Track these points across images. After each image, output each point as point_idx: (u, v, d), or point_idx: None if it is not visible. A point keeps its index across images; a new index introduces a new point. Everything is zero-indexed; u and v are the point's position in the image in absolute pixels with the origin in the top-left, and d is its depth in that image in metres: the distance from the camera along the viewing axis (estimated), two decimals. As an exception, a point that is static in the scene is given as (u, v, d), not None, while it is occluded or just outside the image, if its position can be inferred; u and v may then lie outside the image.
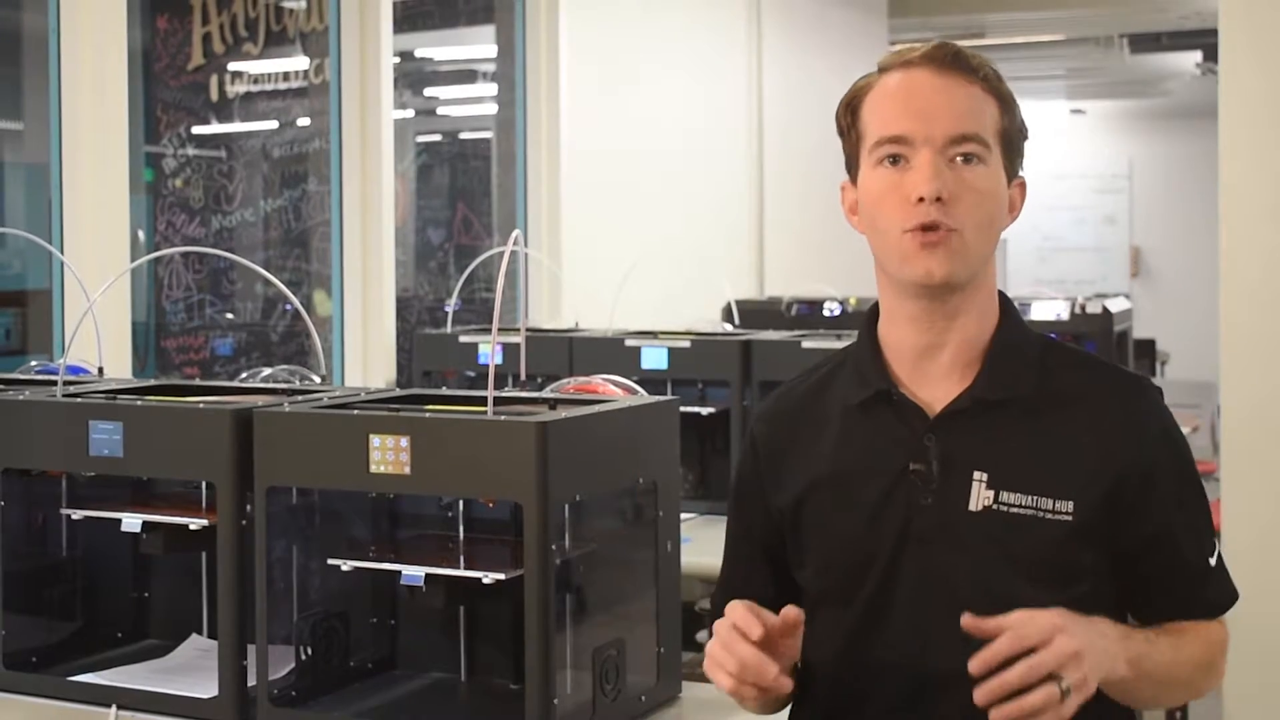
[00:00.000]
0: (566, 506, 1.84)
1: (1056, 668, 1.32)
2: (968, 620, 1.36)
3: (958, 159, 1.48)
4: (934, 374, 1.54)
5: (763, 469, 1.64)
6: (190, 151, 4.21)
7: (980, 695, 1.33)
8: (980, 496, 1.49)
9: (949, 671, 1.49)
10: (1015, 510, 1.48)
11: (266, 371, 2.68)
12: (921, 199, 1.46)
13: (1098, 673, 1.36)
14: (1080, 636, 1.35)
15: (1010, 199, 1.55)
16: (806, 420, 1.62)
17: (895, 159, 1.49)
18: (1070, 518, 1.47)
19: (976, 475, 1.49)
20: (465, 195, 5.48)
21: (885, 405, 1.55)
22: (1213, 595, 1.54)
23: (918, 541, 1.50)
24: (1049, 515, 1.48)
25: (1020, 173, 1.56)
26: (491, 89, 5.43)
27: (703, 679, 1.99)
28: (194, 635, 2.20)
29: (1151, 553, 1.51)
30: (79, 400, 2.07)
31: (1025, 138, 1.56)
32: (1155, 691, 1.50)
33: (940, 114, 1.48)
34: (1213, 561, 1.53)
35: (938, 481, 1.50)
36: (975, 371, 1.53)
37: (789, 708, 1.65)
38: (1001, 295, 1.59)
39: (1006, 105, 1.53)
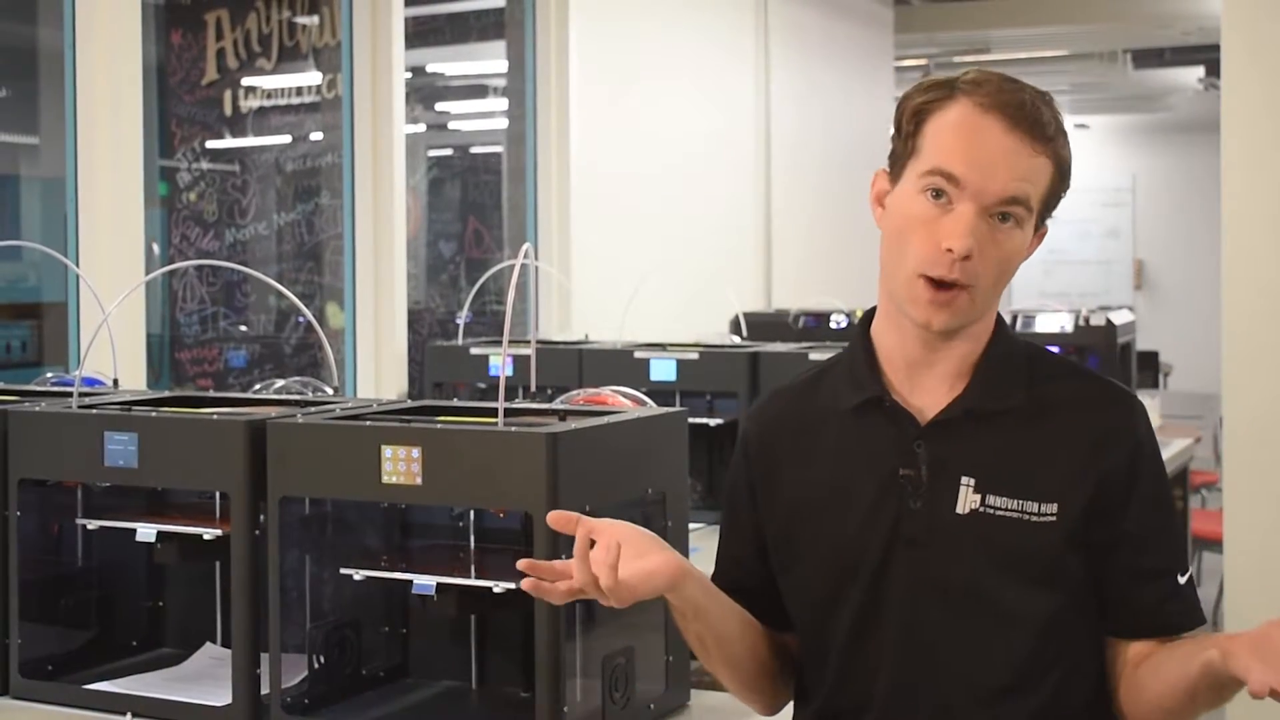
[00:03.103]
0: (576, 516, 1.85)
1: None
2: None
3: (996, 216, 1.48)
4: (926, 383, 1.57)
5: (754, 471, 1.66)
6: (204, 166, 4.24)
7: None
8: (967, 500, 1.51)
9: (937, 676, 1.52)
10: (1001, 513, 1.51)
11: (279, 383, 2.69)
12: (949, 250, 1.47)
13: None
14: None
15: (1030, 246, 1.55)
16: (798, 422, 1.64)
17: (939, 193, 1.49)
18: (1055, 519, 1.50)
19: (964, 480, 1.52)
20: (476, 209, 5.51)
21: (877, 411, 1.57)
22: (1179, 611, 1.54)
23: (907, 544, 1.53)
24: (1034, 518, 1.50)
25: (1046, 222, 1.56)
26: (502, 104, 5.46)
27: (711, 687, 2.02)
28: (208, 644, 2.21)
29: (1122, 552, 1.52)
30: (94, 411, 2.09)
31: (1067, 190, 1.56)
32: (1207, 704, 1.49)
33: (998, 173, 1.47)
34: (1182, 580, 1.54)
35: (927, 486, 1.53)
36: (966, 381, 1.56)
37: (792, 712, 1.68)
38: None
39: (1063, 172, 1.52)
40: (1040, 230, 1.56)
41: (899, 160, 1.55)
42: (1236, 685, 1.40)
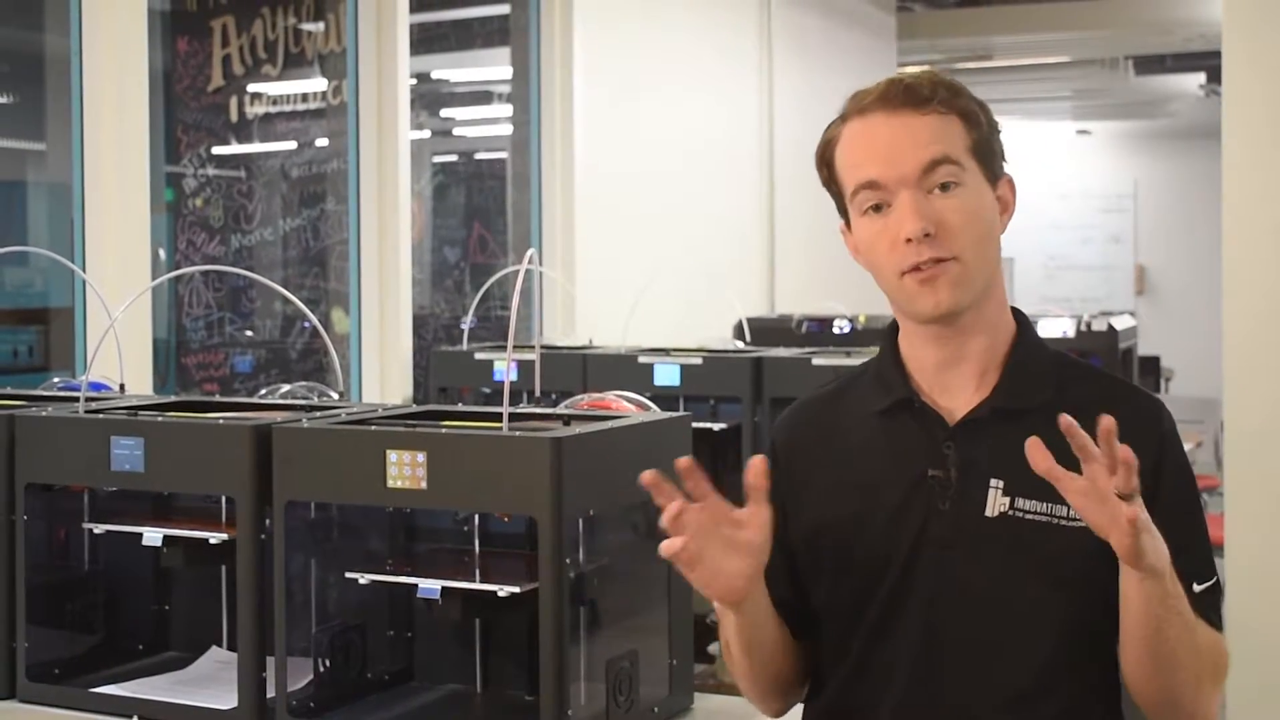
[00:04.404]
0: (580, 521, 1.86)
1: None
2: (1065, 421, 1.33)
3: (936, 190, 1.50)
4: (954, 384, 1.57)
5: (781, 480, 1.64)
6: (210, 171, 4.26)
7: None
8: (997, 503, 1.51)
9: (959, 678, 1.52)
10: (1030, 517, 1.50)
11: (285, 388, 2.69)
12: (910, 239, 1.49)
13: (1156, 542, 1.35)
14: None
15: (1001, 200, 1.57)
16: (826, 429, 1.65)
17: (877, 207, 1.52)
18: (1084, 524, 1.48)
19: (993, 482, 1.52)
20: (481, 214, 5.53)
21: (906, 413, 1.58)
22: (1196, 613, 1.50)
23: (934, 546, 1.53)
24: (1064, 522, 1.49)
25: (1005, 170, 1.57)
26: (506, 110, 5.48)
27: (715, 690, 2.03)
28: (214, 647, 2.22)
29: None
30: (101, 416, 2.09)
31: (998, 134, 1.57)
32: (1179, 638, 1.44)
33: (903, 152, 1.50)
34: (1198, 588, 1.52)
35: (956, 488, 1.53)
36: (994, 382, 1.56)
37: (801, 712, 1.69)
38: (1016, 310, 1.62)
39: (969, 118, 1.54)
40: (1004, 179, 1.57)
41: (840, 208, 1.60)
42: (1162, 580, 1.39)
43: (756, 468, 1.43)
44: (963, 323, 1.54)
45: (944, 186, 1.50)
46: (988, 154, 1.55)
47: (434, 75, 5.64)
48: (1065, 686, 1.51)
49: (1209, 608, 1.54)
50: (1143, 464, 1.50)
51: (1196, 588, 1.52)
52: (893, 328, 1.64)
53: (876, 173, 1.51)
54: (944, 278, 1.50)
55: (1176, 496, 1.54)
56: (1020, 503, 1.51)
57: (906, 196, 1.50)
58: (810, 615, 1.64)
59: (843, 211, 1.60)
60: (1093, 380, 1.60)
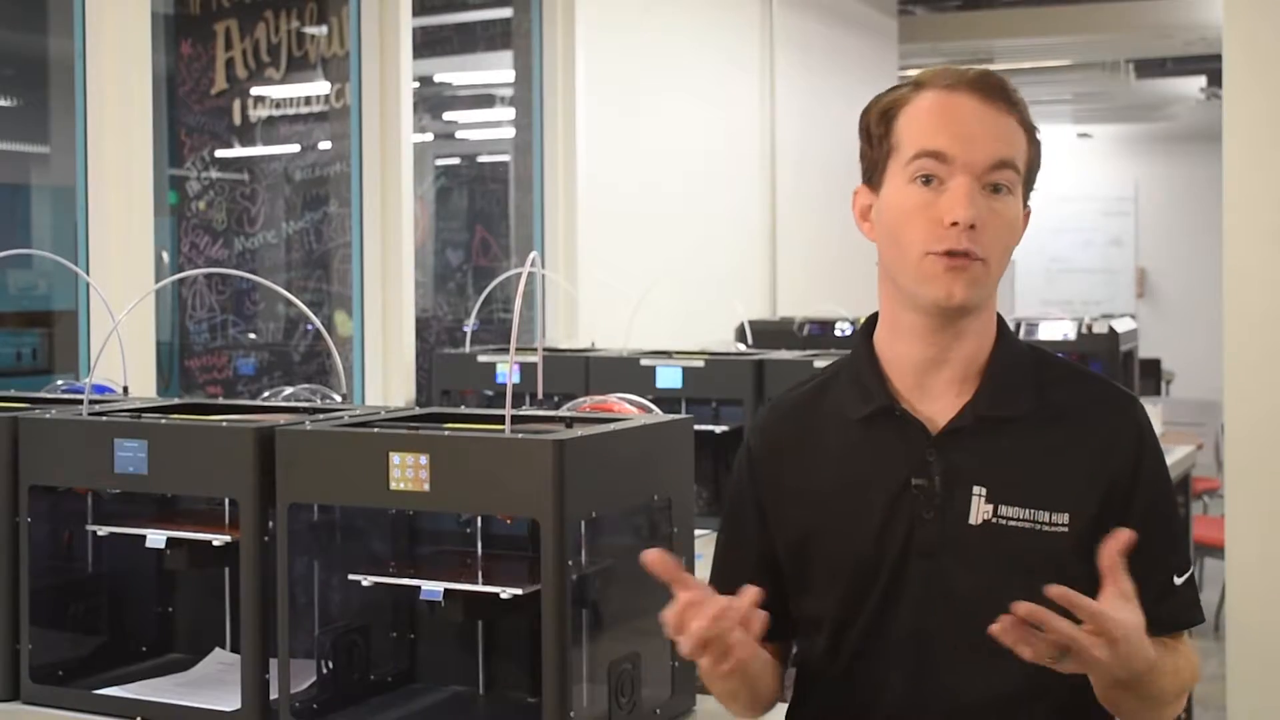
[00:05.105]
0: (582, 523, 1.86)
1: (1075, 646, 1.32)
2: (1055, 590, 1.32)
3: (989, 188, 1.50)
4: (934, 389, 1.56)
5: (760, 486, 1.65)
6: (213, 174, 4.27)
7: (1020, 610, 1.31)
8: (980, 511, 1.51)
9: (950, 683, 1.52)
10: (1014, 523, 1.51)
11: (288, 390, 2.70)
12: (955, 223, 1.48)
13: (1102, 672, 1.36)
14: (1122, 655, 1.34)
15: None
16: (803, 434, 1.63)
17: (929, 179, 1.50)
18: (1066, 529, 1.50)
19: (976, 490, 1.52)
20: (483, 217, 5.53)
21: (887, 420, 1.57)
22: (1170, 612, 1.53)
23: (920, 555, 1.53)
24: (1046, 527, 1.51)
25: (1029, 203, 1.59)
26: (509, 113, 5.49)
27: (716, 692, 2.03)
28: (217, 649, 2.22)
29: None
30: (104, 419, 2.09)
31: (1040, 162, 1.59)
32: (1139, 705, 1.48)
33: (982, 140, 1.50)
34: (1178, 580, 1.54)
35: (940, 496, 1.53)
36: (974, 387, 1.56)
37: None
38: (996, 314, 1.62)
39: (1033, 140, 1.55)
40: (1027, 209, 1.57)
41: (877, 166, 1.56)
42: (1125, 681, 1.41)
43: (660, 562, 1.40)
44: (956, 325, 1.54)
45: (996, 188, 1.51)
46: (1031, 178, 1.57)
47: (436, 79, 5.65)
48: (1056, 688, 1.51)
49: (1189, 603, 1.56)
50: (1122, 460, 1.53)
51: (1177, 580, 1.55)
52: (867, 326, 1.62)
53: (948, 145, 1.49)
54: (968, 273, 1.49)
55: (1155, 498, 1.56)
56: (1003, 510, 1.51)
57: (965, 182, 1.49)
58: (784, 620, 1.62)
59: (873, 172, 1.57)
60: (1071, 380, 1.60)
